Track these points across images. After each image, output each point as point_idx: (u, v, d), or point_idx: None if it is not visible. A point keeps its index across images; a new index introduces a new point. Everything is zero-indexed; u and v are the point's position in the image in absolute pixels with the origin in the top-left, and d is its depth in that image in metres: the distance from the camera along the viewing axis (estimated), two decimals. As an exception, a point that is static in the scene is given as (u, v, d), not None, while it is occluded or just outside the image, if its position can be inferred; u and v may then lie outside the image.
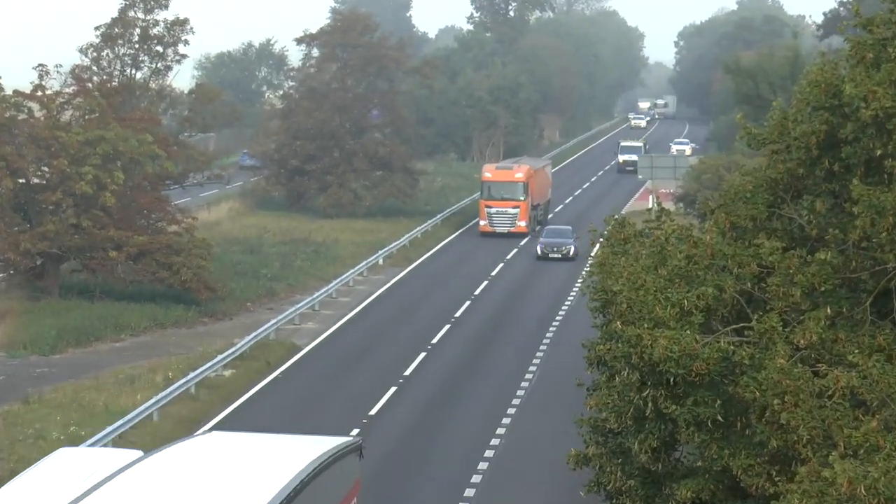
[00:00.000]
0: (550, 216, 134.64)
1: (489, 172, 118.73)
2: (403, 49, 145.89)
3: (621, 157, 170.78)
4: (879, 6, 25.34)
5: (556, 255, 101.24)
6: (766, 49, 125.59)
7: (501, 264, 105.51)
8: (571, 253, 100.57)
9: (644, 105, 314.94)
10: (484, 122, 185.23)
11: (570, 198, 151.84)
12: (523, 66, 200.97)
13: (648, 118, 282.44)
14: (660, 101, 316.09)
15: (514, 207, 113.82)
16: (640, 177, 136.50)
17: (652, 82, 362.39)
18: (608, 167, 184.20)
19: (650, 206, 29.26)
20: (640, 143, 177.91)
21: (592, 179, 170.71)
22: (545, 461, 51.85)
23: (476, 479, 54.25)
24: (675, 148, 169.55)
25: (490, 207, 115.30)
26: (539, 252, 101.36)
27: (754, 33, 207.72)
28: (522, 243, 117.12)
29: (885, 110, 23.32)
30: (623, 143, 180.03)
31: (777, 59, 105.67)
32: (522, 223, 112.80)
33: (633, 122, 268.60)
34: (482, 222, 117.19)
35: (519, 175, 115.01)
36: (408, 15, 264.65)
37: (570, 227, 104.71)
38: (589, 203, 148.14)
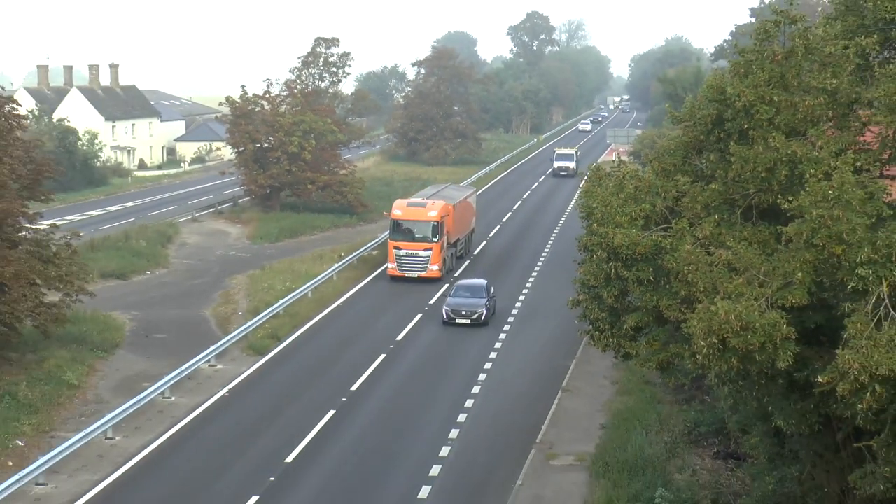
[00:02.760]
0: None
1: (399, 209, 64.18)
2: (472, 69, 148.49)
3: (556, 164, 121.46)
4: (749, 41, 25.14)
5: (464, 321, 49.87)
6: (681, 68, 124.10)
7: (535, 184, 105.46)
8: (483, 317, 50.46)
9: (614, 99, 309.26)
10: (518, 111, 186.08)
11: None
12: (542, 79, 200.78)
13: (593, 123, 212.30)
14: (624, 97, 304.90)
15: (426, 249, 62.52)
16: (608, 142, 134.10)
17: (615, 88, 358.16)
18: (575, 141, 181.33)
19: (614, 158, 28.92)
20: (572, 151, 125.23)
21: (579, 142, 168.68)
22: (555, 306, 51.77)
23: (512, 316, 54.36)
24: (556, 164, 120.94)
25: (399, 249, 62.70)
26: (445, 317, 50.67)
27: (674, 58, 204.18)
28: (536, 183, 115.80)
29: (750, 102, 23.10)
30: (558, 151, 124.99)
31: (687, 73, 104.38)
32: (434, 267, 62.23)
33: (580, 126, 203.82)
34: (390, 265, 63.26)
35: (432, 213, 63.03)
36: (475, 49, 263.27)
37: (484, 283, 53.38)
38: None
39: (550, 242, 75.52)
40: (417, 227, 61.71)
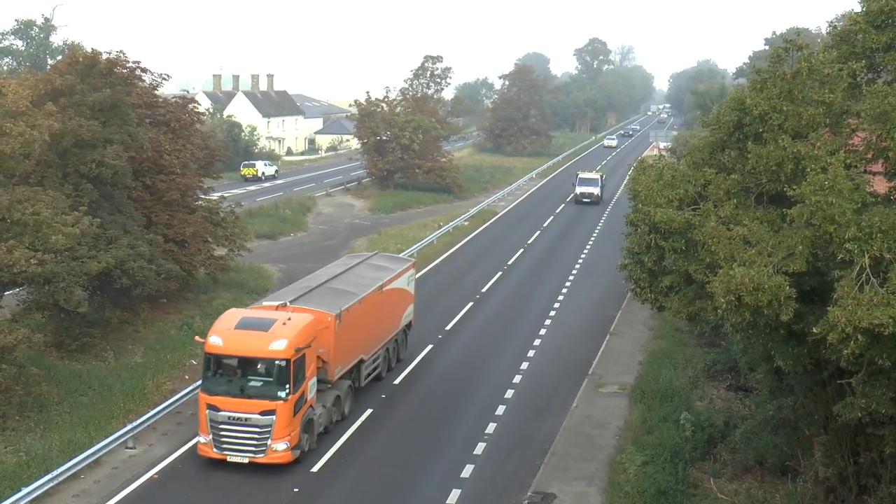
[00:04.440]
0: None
1: (218, 337, 25.37)
2: (546, 81, 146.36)
3: (578, 189, 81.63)
4: (764, 63, 24.79)
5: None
6: (709, 84, 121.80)
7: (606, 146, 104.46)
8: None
9: (657, 107, 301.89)
10: (580, 115, 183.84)
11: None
12: (599, 91, 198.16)
13: (620, 138, 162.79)
14: (665, 105, 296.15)
15: (265, 413, 24.52)
16: (650, 140, 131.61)
17: (657, 98, 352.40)
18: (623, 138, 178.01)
19: (655, 153, 28.58)
20: (597, 176, 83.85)
21: (623, 144, 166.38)
22: (606, 267, 51.53)
23: (572, 275, 54.23)
24: (579, 189, 79.69)
25: (215, 411, 24.96)
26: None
27: (703, 76, 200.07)
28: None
29: (764, 111, 22.81)
30: (581, 176, 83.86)
31: (714, 89, 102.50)
32: (280, 446, 24.76)
33: (606, 142, 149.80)
34: (201, 440, 25.53)
35: (278, 345, 24.77)
36: (548, 66, 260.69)
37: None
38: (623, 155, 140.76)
39: (603, 218, 74.99)
40: (251, 370, 25.85)
